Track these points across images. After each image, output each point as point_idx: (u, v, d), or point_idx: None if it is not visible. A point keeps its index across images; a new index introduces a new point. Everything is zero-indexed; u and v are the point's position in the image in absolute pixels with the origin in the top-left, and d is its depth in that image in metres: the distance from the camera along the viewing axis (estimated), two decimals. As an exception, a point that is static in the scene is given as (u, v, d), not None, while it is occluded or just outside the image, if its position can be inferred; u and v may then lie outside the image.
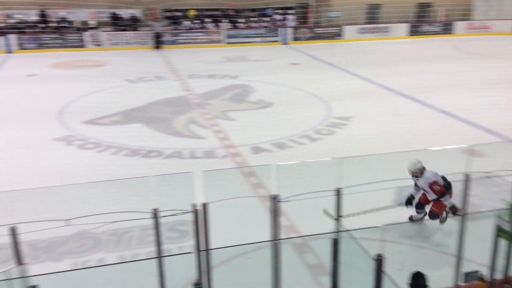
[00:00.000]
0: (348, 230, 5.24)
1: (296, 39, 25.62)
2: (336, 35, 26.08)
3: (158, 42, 23.43)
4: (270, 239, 5.80)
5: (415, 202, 6.75)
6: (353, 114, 12.46)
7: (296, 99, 13.87)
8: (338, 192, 5.86)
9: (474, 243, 5.19)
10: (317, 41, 25.72)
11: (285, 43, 25.42)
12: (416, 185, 6.68)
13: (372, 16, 27.92)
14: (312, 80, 16.07)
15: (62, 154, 9.74)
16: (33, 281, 4.15)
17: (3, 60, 19.96)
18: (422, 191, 6.64)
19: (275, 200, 5.71)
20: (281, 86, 15.80)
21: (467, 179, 5.83)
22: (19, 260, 5.04)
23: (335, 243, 4.79)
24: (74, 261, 6.24)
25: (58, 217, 5.05)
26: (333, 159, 7.66)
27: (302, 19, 27.93)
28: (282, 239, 5.84)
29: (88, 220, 5.11)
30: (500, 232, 4.48)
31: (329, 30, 26.30)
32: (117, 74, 17.41)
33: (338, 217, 5.50)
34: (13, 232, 4.91)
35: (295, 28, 25.94)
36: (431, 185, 6.36)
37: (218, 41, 24.65)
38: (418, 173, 6.45)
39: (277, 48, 24.19)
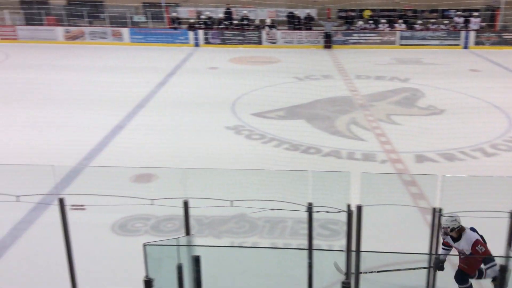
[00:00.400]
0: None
1: (478, 43, 23.39)
2: (529, 41, 23.14)
3: (328, 41, 23.67)
4: (428, 253, 5.49)
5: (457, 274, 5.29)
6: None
7: (472, 108, 12.72)
8: (512, 215, 5.27)
9: None
10: (504, 47, 23.11)
11: (465, 47, 23.41)
12: (447, 245, 5.37)
13: None
14: (493, 89, 14.56)
15: (231, 141, 10.60)
16: (197, 251, 4.60)
17: (190, 53, 22.36)
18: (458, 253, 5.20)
19: (437, 213, 5.38)
20: (456, 92, 14.65)
21: None
22: (187, 231, 5.67)
23: (503, 270, 4.33)
24: (232, 240, 6.77)
25: (223, 197, 5.56)
26: (510, 177, 6.88)
27: (489, 23, 25.36)
28: (441, 254, 5.48)
29: (249, 204, 5.50)
30: None
31: (521, 35, 23.43)
32: (287, 71, 18.14)
33: (353, 274, 4.72)
34: (185, 205, 5.54)
35: (479, 31, 23.69)
36: (475, 245, 5.00)
37: (391, 42, 23.86)
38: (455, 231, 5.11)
39: (455, 52, 22.44)
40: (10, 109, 12.69)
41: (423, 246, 5.55)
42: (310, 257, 5.36)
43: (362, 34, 24.11)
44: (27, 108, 12.79)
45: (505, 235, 5.32)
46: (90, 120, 11.78)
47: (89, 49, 22.78)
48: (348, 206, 5.42)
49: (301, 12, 24.94)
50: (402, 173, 8.85)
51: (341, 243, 6.37)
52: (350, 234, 5.56)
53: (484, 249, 5.03)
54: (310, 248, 5.53)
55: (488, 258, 4.97)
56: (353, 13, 25.51)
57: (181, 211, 5.52)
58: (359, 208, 5.39)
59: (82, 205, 5.73)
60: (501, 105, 12.66)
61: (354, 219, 5.43)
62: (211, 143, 10.36)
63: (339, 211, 5.53)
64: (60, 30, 24.64)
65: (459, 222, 5.11)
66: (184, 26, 24.65)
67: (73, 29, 24.71)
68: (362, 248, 5.48)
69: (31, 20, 25.10)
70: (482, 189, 6.45)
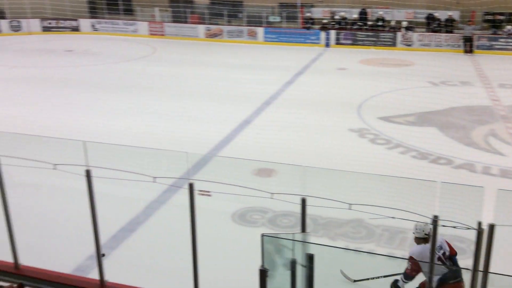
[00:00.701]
0: None
1: None
2: None
3: (469, 46, 21.90)
4: None
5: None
6: None
7: None
8: None
9: None
10: None
11: None
12: None
13: None
14: None
15: (354, 144, 10.42)
16: (311, 249, 4.63)
17: (320, 53, 22.41)
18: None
19: None
20: None
21: None
22: (303, 228, 5.74)
23: None
24: (347, 244, 6.68)
25: (342, 199, 5.50)
26: None
27: None
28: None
29: (368, 210, 5.38)
30: None
31: None
32: (421, 75, 17.24)
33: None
34: (303, 202, 5.61)
35: None
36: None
37: (545, 49, 21.31)
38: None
39: None
40: (149, 99, 13.99)
41: None
42: (431, 271, 5.02)
43: (510, 40, 21.89)
44: (165, 99, 14.00)
45: None
46: (221, 113, 12.50)
47: (225, 47, 24.09)
48: (479, 223, 5.01)
49: (442, 14, 23.44)
50: (547, 195, 7.89)
51: (467, 262, 5.91)
52: (479, 254, 5.14)
53: (409, 269, 4.97)
54: (431, 262, 5.18)
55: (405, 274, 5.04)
56: (501, 17, 23.26)
57: (298, 208, 5.61)
58: (492, 227, 4.95)
59: (208, 192, 6.15)
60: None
61: (484, 238, 5.01)
62: (333, 144, 10.30)
63: (468, 228, 5.14)
64: (201, 28, 26.44)
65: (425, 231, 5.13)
66: (317, 26, 24.76)
67: (213, 27, 26.33)
68: (491, 269, 5.04)
69: (177, 18, 27.33)
70: None
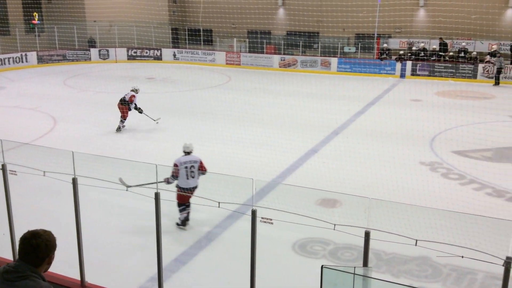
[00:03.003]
0: None
1: None
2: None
3: (497, 78, 20.73)
4: None
5: None
6: None
7: None
8: None
9: None
10: None
11: None
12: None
13: None
14: None
15: (424, 178, 10.04)
16: (372, 285, 4.54)
17: (395, 84, 22.01)
18: None
19: None
20: None
21: None
22: (365, 262, 5.61)
23: None
24: (411, 283, 6.43)
25: (408, 235, 5.33)
26: None
27: None
28: None
29: (435, 247, 5.17)
30: None
31: None
32: (501, 109, 16.39)
33: None
34: (367, 236, 5.49)
35: None
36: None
37: None
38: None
39: None
40: (223, 126, 14.48)
41: None
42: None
43: None
44: (236, 125, 14.41)
45: None
46: (289, 141, 12.62)
47: (298, 76, 24.43)
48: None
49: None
50: None
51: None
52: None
53: (173, 171, 7.66)
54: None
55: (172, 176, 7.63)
56: None
57: (361, 241, 5.50)
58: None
59: (270, 219, 6.23)
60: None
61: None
62: (402, 177, 10.00)
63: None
64: (276, 58, 27.07)
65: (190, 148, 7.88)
66: (393, 57, 24.43)
67: (287, 57, 26.86)
68: None
69: (254, 48, 28.22)
70: None
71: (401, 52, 24.48)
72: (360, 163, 10.79)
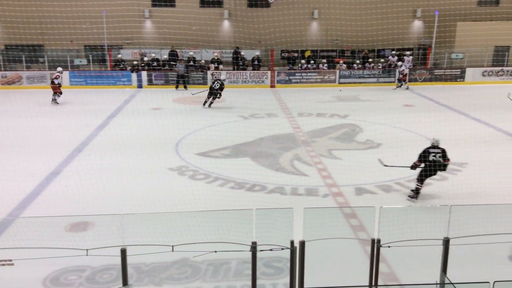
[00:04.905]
0: (454, 283, 4.82)
1: (412, 80, 24.78)
2: (458, 77, 24.77)
3: (182, 82, 23.71)
4: (367, 285, 5.54)
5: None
6: (470, 160, 11.57)
7: (407, 141, 13.27)
8: (446, 242, 5.46)
9: None
10: (435, 83, 24.61)
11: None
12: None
13: (500, 59, 26.02)
14: (426, 123, 15.30)
15: (174, 183, 10.40)
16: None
17: (133, 94, 22.14)
18: None
19: (376, 244, 5.48)
20: (392, 127, 15.30)
21: None
22: (124, 281, 5.40)
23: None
24: (172, 287, 6.53)
25: (165, 242, 5.37)
26: (443, 206, 7.14)
27: (421, 60, 27.03)
28: (380, 285, 5.55)
29: (191, 248, 5.34)
30: None
31: (450, 72, 25.07)
32: (232, 110, 18.32)
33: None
34: (123, 254, 5.30)
35: (412, 69, 25.14)
36: None
37: (331, 81, 24.79)
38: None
39: (391, 89, 23.59)
40: None
41: (365, 276, 5.60)
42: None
43: (304, 74, 24.91)
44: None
45: (440, 261, 5.48)
46: (22, 167, 11.21)
47: (26, 93, 22.04)
48: (291, 242, 5.41)
49: (248, 53, 25.56)
50: (342, 206, 9.00)
51: (286, 280, 6.31)
52: (293, 271, 5.53)
53: None
54: (254, 288, 5.48)
55: None
56: (295, 54, 26.42)
57: (119, 260, 5.27)
58: (302, 244, 5.39)
59: (10, 260, 5.36)
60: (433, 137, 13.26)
61: (298, 255, 5.42)
62: (153, 186, 10.11)
63: (283, 249, 5.51)
64: (-5, 75, 23.77)
65: None
66: (128, 68, 24.52)
67: (10, 73, 23.92)
68: (306, 284, 5.46)
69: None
70: (417, 218, 6.66)
71: (135, 62, 24.80)
72: (107, 179, 10.37)
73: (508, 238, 5.37)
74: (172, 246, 5.32)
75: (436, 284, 5.06)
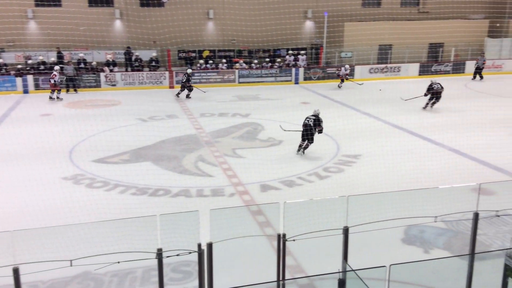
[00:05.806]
0: (355, 270, 5.09)
1: (307, 78, 25.89)
2: (349, 75, 26.37)
3: (72, 86, 22.61)
4: (275, 280, 5.65)
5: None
6: (362, 152, 12.38)
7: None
8: (345, 231, 5.75)
9: (483, 283, 4.99)
10: (328, 80, 25.95)
11: (296, 83, 25.70)
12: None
13: (384, 57, 28.22)
14: (323, 119, 16.08)
15: (69, 193, 9.74)
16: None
17: (18, 100, 20.43)
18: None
19: (282, 239, 5.61)
20: (291, 124, 15.83)
21: (476, 218, 5.66)
22: (19, 302, 4.94)
23: (342, 284, 4.64)
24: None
25: (63, 257, 4.99)
26: (341, 197, 7.54)
27: (314, 60, 28.35)
28: (287, 279, 5.69)
29: (92, 261, 5.04)
30: (509, 271, 4.32)
31: (340, 69, 26.66)
32: (130, 113, 17.67)
33: None
34: (16, 273, 4.85)
35: (307, 68, 26.27)
36: None
37: (231, 81, 25.01)
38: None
39: (288, 88, 24.44)
40: None
41: (273, 271, 5.71)
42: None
43: (203, 74, 24.83)
44: None
45: (341, 250, 5.76)
46: None
47: None
48: (199, 245, 5.34)
49: (144, 54, 24.81)
50: (248, 205, 9.12)
51: (195, 284, 6.22)
52: (202, 274, 5.46)
53: None
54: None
55: None
56: (193, 54, 26.23)
57: (12, 281, 4.83)
58: (209, 246, 5.35)
59: None
60: (329, 132, 13.99)
61: (206, 258, 5.36)
62: (46, 198, 9.37)
63: (190, 252, 5.41)
64: None
65: None
66: (12, 73, 22.55)
67: None
68: (215, 286, 5.42)
69: None
70: (318, 210, 6.94)
71: (19, 66, 22.89)
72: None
73: (400, 223, 5.81)
74: (71, 261, 4.98)
75: (339, 272, 5.31)
